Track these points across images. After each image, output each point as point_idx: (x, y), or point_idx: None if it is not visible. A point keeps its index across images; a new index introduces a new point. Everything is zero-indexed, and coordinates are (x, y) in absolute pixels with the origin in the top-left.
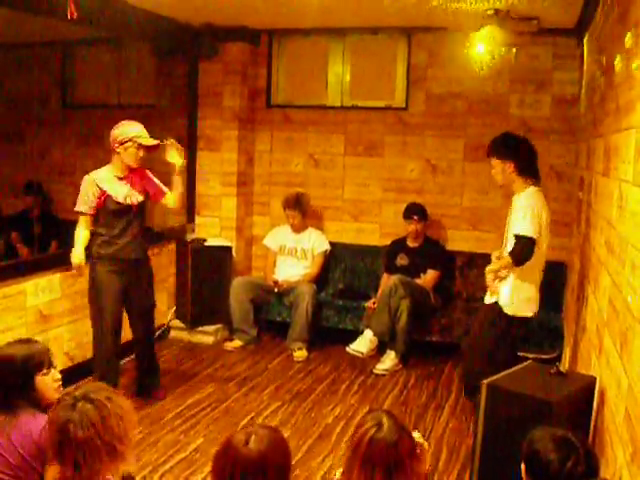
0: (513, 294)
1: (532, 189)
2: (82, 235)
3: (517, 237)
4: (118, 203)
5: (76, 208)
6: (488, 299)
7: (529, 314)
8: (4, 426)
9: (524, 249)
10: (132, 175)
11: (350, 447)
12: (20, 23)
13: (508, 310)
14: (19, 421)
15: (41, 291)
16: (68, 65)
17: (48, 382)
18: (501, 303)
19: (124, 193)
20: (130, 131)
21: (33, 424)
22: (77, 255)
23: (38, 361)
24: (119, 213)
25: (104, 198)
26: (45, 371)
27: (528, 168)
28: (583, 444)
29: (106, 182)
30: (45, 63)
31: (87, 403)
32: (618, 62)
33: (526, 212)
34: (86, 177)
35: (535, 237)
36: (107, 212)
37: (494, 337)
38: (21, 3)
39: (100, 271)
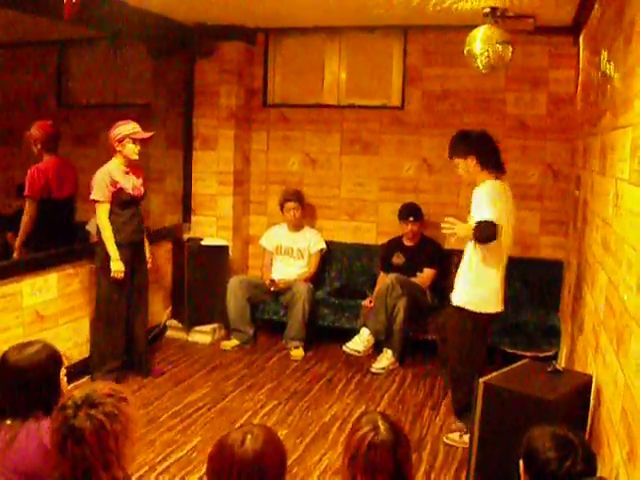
0: (470, 292)
1: (491, 181)
2: (110, 231)
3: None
4: (128, 194)
5: (94, 197)
6: (454, 298)
7: (491, 311)
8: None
9: (487, 229)
10: (133, 169)
11: (348, 454)
12: (16, 22)
13: (469, 307)
14: (30, 427)
15: (38, 291)
16: (64, 64)
17: (65, 380)
18: (460, 303)
19: (131, 185)
20: (125, 129)
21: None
22: (119, 265)
23: (60, 359)
24: (128, 203)
25: (116, 189)
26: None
27: (490, 160)
28: (582, 443)
29: (117, 175)
30: (41, 62)
31: (87, 419)
32: (614, 60)
33: (486, 201)
34: (101, 169)
35: (497, 222)
36: (118, 202)
37: (468, 341)
38: (17, 2)
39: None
